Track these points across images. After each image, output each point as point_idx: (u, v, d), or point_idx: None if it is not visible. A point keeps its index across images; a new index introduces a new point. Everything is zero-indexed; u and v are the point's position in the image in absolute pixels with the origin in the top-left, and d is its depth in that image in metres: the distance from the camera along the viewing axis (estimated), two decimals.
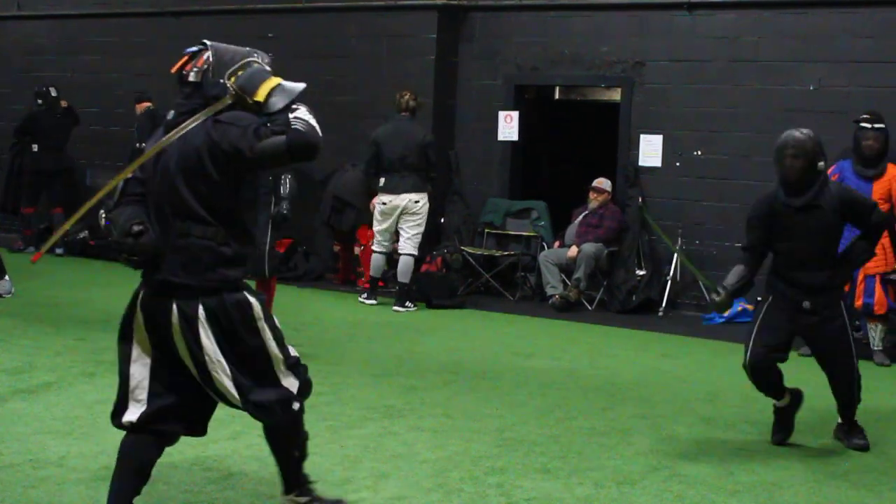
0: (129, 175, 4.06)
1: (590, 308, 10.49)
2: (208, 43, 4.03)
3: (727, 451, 5.65)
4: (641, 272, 10.54)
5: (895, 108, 9.23)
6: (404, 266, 10.03)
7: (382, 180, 10.08)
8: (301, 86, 3.95)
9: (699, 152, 10.52)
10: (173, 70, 4.05)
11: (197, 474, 4.85)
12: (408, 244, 10.06)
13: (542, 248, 11.05)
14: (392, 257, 10.42)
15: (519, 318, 9.93)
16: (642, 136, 10.76)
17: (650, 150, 10.72)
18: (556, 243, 10.92)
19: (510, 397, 6.67)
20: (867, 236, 5.78)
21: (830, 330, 5.67)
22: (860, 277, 8.10)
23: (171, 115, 4.01)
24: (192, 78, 3.98)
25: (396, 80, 11.24)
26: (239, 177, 3.95)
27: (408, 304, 9.98)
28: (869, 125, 8.12)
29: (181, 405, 4.03)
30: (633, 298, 10.41)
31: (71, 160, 13.23)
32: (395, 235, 10.25)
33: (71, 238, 12.78)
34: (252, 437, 5.49)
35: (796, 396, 5.85)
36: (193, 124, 3.87)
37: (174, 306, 3.88)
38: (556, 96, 12.70)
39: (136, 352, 4.02)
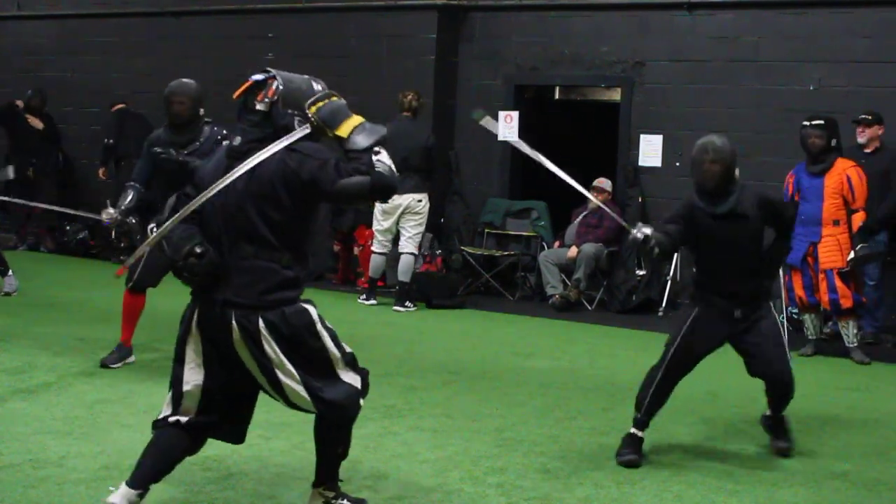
0: (181, 193, 4.20)
1: (590, 308, 10.49)
2: (274, 72, 4.12)
3: (727, 451, 5.65)
4: (641, 272, 10.54)
5: (894, 108, 9.24)
6: (404, 265, 10.03)
7: None
8: (383, 129, 4.05)
9: None
10: (236, 96, 4.12)
11: (197, 474, 4.85)
12: (408, 243, 10.06)
13: (542, 248, 11.05)
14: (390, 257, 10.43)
15: (519, 318, 9.93)
16: (642, 136, 10.76)
17: (650, 150, 10.72)
18: (556, 243, 10.93)
19: (510, 397, 6.67)
20: (784, 235, 5.67)
21: (762, 327, 5.53)
22: (821, 276, 8.19)
23: (237, 141, 4.09)
24: (260, 107, 4.06)
25: (396, 81, 11.24)
26: (310, 206, 4.06)
27: (408, 304, 9.99)
28: (809, 123, 8.31)
29: (226, 419, 4.19)
30: (633, 298, 10.41)
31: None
32: (396, 236, 10.26)
33: (71, 239, 12.82)
34: (252, 437, 5.48)
35: (640, 444, 5.49)
36: (270, 152, 3.93)
37: (234, 322, 3.97)
38: (556, 96, 12.70)
39: (188, 373, 4.10)
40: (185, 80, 7.15)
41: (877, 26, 9.77)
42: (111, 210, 7.06)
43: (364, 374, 4.23)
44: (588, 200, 10.65)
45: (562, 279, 10.54)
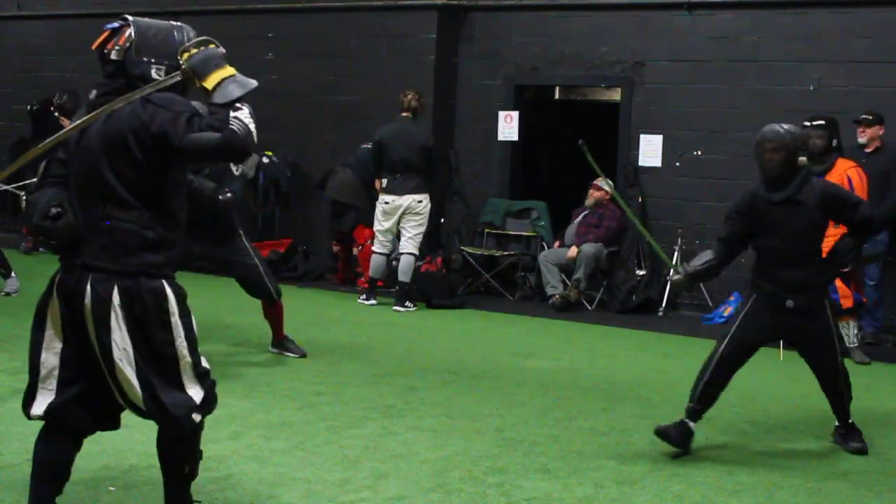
0: (53, 157, 3.94)
1: (590, 308, 10.49)
2: (130, 18, 3.88)
3: (727, 451, 5.65)
4: (641, 272, 10.54)
5: (894, 108, 9.24)
6: (405, 265, 10.03)
7: (385, 181, 10.09)
8: (253, 83, 3.79)
9: (699, 152, 10.52)
10: (94, 47, 3.89)
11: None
12: (409, 244, 10.06)
13: (542, 248, 11.05)
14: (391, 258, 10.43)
15: (519, 318, 9.93)
16: (642, 136, 10.77)
17: (650, 150, 10.73)
18: (556, 243, 10.93)
19: (510, 397, 6.67)
20: (854, 233, 5.73)
21: (814, 329, 5.59)
22: None
23: (92, 94, 3.87)
24: (114, 56, 3.82)
25: (396, 80, 11.24)
26: (165, 160, 3.76)
27: (408, 303, 9.98)
28: (810, 123, 8.31)
29: (91, 396, 3.89)
30: (633, 298, 10.41)
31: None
32: (397, 236, 10.26)
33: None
34: (252, 437, 5.50)
35: (690, 435, 5.58)
36: (122, 104, 3.71)
37: (88, 287, 3.74)
38: (556, 96, 12.70)
39: (48, 339, 3.90)
40: None
41: (877, 26, 9.77)
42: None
43: (209, 388, 3.90)
44: (586, 198, 10.78)
45: (562, 279, 10.54)
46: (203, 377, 3.90)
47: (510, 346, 8.54)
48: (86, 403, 3.90)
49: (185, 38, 3.87)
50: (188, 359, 3.83)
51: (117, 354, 3.74)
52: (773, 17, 10.21)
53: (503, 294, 10.95)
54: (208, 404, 3.91)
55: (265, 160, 12.15)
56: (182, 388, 3.82)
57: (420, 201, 10.02)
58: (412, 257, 10.07)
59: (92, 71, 14.24)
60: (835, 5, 9.97)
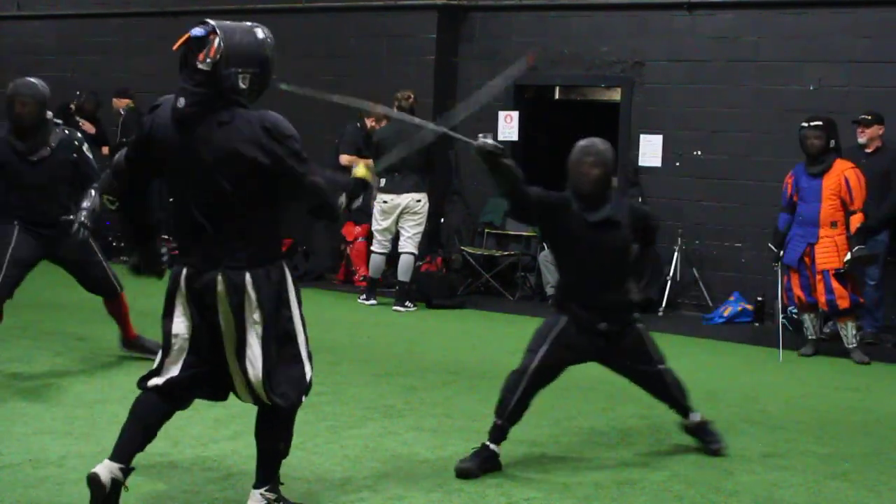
0: (136, 167, 4.21)
1: None
2: (213, 23, 3.99)
3: (727, 451, 5.64)
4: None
5: (894, 108, 9.24)
6: (404, 265, 10.03)
7: (383, 180, 10.08)
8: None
9: (699, 152, 10.52)
10: (176, 47, 4.00)
11: (197, 474, 4.85)
12: (408, 243, 10.06)
13: (542, 248, 11.04)
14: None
15: (519, 318, 9.92)
16: (642, 136, 10.77)
17: (650, 150, 10.72)
18: None
19: None
20: (648, 244, 5.54)
21: (626, 344, 5.36)
22: (818, 277, 8.19)
23: (181, 102, 3.98)
24: (203, 67, 3.94)
25: (396, 81, 11.24)
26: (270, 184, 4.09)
27: (408, 303, 9.99)
28: (808, 124, 8.32)
29: (210, 377, 4.17)
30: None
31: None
32: (396, 235, 10.26)
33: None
34: (252, 437, 5.49)
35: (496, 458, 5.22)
36: (240, 123, 3.95)
37: (219, 276, 4.00)
38: (556, 96, 12.71)
39: (177, 325, 4.12)
40: (30, 79, 6.69)
41: (877, 26, 9.77)
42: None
43: (312, 375, 4.25)
44: None
45: None
46: (311, 357, 4.21)
47: (510, 346, 8.51)
48: (202, 383, 4.20)
49: (266, 37, 4.06)
50: (304, 336, 4.19)
51: (248, 332, 4.02)
52: (773, 17, 10.21)
53: (503, 294, 10.95)
54: (311, 383, 4.23)
55: None
56: (301, 366, 4.17)
57: (419, 200, 10.02)
58: (412, 257, 10.07)
59: (92, 71, 14.30)
60: (835, 5, 9.98)
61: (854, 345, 8.34)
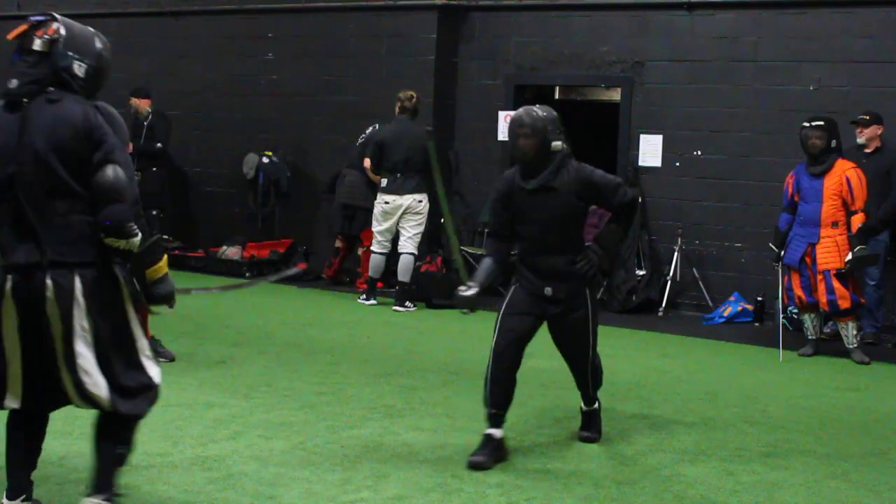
0: None
1: None
2: (57, 16, 4.01)
3: (727, 451, 5.65)
4: (641, 272, 10.54)
5: (894, 108, 9.24)
6: (404, 265, 10.04)
7: (385, 181, 10.09)
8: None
9: (699, 152, 10.52)
10: (11, 36, 4.00)
11: (197, 474, 4.85)
12: (408, 243, 10.07)
13: None
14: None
15: None
16: (642, 136, 10.76)
17: (650, 150, 10.72)
18: None
19: None
20: (616, 219, 5.49)
21: (571, 320, 5.46)
22: (819, 277, 8.19)
23: (13, 83, 3.89)
24: (38, 47, 3.92)
25: (396, 81, 11.25)
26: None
27: (408, 303, 9.99)
28: (809, 124, 8.33)
29: (57, 386, 3.93)
30: (633, 298, 10.41)
31: None
32: (395, 236, 10.26)
33: None
34: (252, 437, 5.50)
35: (501, 444, 5.36)
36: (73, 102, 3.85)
37: (48, 280, 3.77)
38: (556, 96, 12.69)
39: (8, 343, 3.87)
40: None
41: (877, 26, 9.77)
42: None
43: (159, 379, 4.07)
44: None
45: None
46: (154, 358, 4.05)
47: None
48: (54, 391, 3.96)
49: (104, 47, 4.05)
50: (143, 339, 4.00)
51: (77, 341, 3.80)
52: (773, 17, 10.21)
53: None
54: (158, 392, 4.06)
55: (265, 160, 12.15)
56: (143, 370, 3.98)
57: (420, 201, 10.03)
58: (411, 257, 10.08)
59: None
60: (835, 5, 9.97)
61: (854, 345, 8.34)
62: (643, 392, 7.02)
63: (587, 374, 5.67)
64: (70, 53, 3.92)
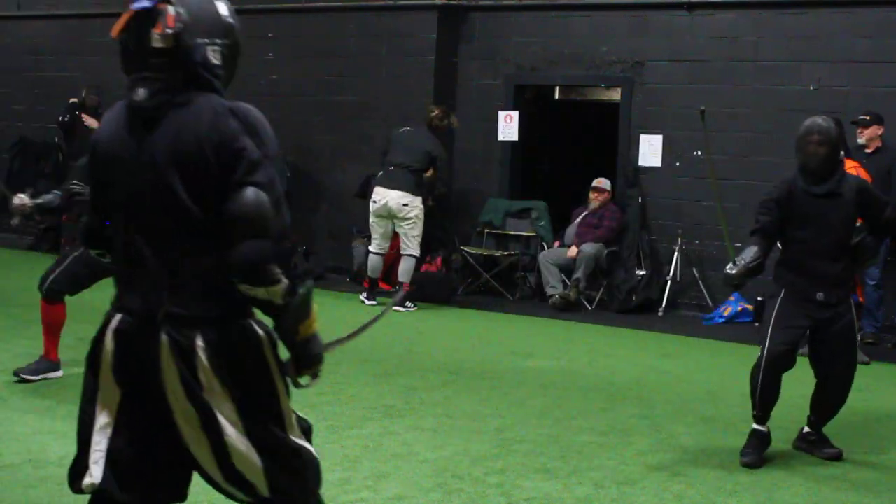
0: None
1: (589, 308, 10.49)
2: None
3: (727, 451, 5.65)
4: (641, 272, 10.54)
5: (894, 108, 9.24)
6: (405, 267, 10.04)
7: (380, 174, 10.15)
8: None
9: (699, 152, 10.52)
10: (115, 32, 3.15)
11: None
12: (409, 246, 10.07)
13: (542, 248, 11.05)
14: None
15: (519, 318, 9.93)
16: (642, 136, 10.76)
17: (650, 150, 10.72)
18: (556, 243, 10.93)
19: (510, 397, 6.67)
20: (875, 233, 5.68)
21: (840, 326, 5.56)
22: None
23: (141, 94, 2.95)
24: (160, 44, 2.95)
25: (396, 81, 11.25)
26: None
27: (408, 304, 9.99)
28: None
29: (152, 469, 3.19)
30: (633, 298, 10.41)
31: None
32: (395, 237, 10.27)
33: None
34: None
35: (764, 441, 5.60)
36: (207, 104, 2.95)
37: (164, 337, 2.88)
38: (556, 96, 12.70)
39: (100, 408, 3.05)
40: None
41: (877, 26, 9.77)
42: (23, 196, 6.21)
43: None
44: (588, 200, 10.78)
45: (562, 279, 10.54)
46: (308, 432, 3.20)
47: (510, 346, 8.54)
48: (145, 477, 3.20)
49: (230, 12, 3.21)
50: (291, 413, 3.13)
51: (222, 419, 2.98)
52: (773, 17, 10.21)
53: (503, 294, 10.95)
54: (319, 468, 3.20)
55: None
56: (298, 454, 3.12)
57: (405, 204, 9.97)
58: (413, 259, 10.08)
59: (92, 70, 14.30)
60: (835, 5, 9.97)
61: None
62: (643, 392, 7.02)
63: (848, 382, 5.65)
64: (200, 41, 2.98)
